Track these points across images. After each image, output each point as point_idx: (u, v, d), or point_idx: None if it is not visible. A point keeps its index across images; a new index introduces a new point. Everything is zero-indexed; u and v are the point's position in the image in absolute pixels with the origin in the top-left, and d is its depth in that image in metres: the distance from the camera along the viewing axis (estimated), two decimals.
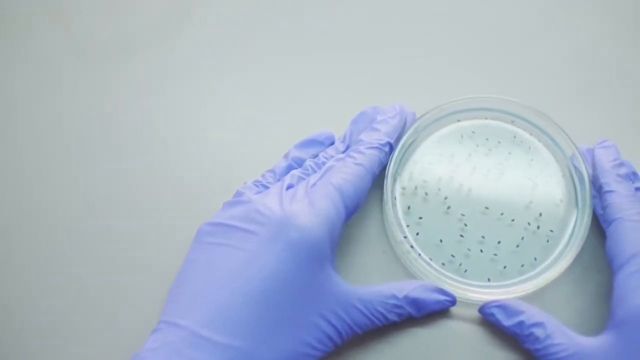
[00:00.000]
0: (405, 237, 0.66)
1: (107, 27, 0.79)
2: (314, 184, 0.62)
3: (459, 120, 0.71)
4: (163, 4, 0.80)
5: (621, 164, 0.66)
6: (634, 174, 0.67)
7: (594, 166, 0.66)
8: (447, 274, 0.65)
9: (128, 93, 0.75)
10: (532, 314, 0.61)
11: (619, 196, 0.63)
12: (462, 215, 0.67)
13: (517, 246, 0.66)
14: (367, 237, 0.67)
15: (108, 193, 0.70)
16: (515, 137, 0.70)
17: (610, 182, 0.64)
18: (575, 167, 0.68)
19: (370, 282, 0.63)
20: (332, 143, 0.68)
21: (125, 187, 0.70)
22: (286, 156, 0.68)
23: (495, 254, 0.66)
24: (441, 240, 0.66)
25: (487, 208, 0.67)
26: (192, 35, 0.78)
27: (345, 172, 0.62)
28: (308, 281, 0.58)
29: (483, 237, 0.66)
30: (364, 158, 0.64)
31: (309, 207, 0.60)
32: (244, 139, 0.72)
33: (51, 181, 0.71)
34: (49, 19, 0.79)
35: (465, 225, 0.67)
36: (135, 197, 0.70)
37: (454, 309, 0.64)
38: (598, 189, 0.65)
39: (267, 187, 0.65)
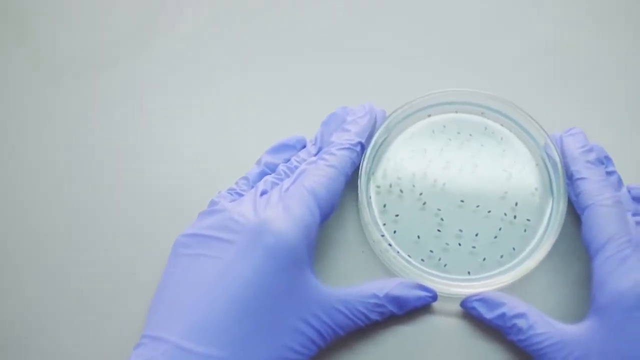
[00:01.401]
0: (382, 235, 0.66)
1: (75, 42, 0.78)
2: (288, 189, 0.62)
3: (429, 116, 0.71)
4: (130, 17, 0.79)
5: (590, 150, 0.66)
6: (607, 157, 0.67)
7: (563, 155, 0.66)
8: (427, 269, 0.65)
9: (99, 107, 0.74)
10: (513, 305, 0.61)
11: (590, 182, 0.63)
12: (438, 210, 0.67)
13: (495, 237, 0.66)
14: (344, 238, 0.67)
15: (83, 208, 0.70)
16: (486, 128, 0.70)
17: (580, 169, 0.64)
18: (549, 155, 0.68)
19: (351, 282, 0.63)
20: (304, 146, 0.68)
21: (101, 201, 0.70)
22: (259, 162, 0.67)
23: (474, 247, 0.66)
24: (419, 237, 0.66)
25: (462, 201, 0.67)
26: (161, 47, 0.77)
27: (318, 174, 0.62)
28: (287, 286, 0.58)
29: (460, 230, 0.66)
30: (335, 159, 0.64)
31: (284, 212, 0.60)
32: (217, 148, 0.72)
33: (23, 197, 0.71)
34: (16, 36, 0.78)
35: (442, 219, 0.67)
36: (110, 212, 0.69)
37: (436, 304, 0.64)
38: (569, 177, 0.65)
39: (241, 195, 0.64)
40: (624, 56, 0.77)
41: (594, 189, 0.63)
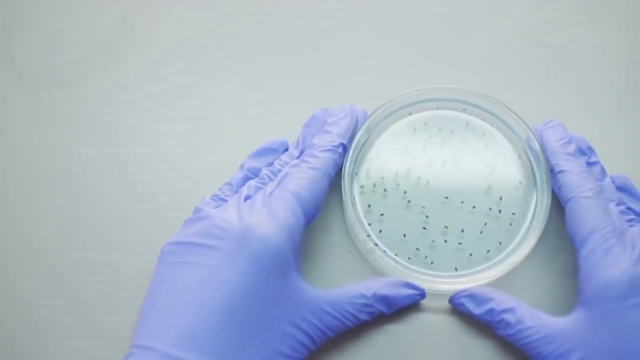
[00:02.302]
0: (368, 235, 0.66)
1: (54, 52, 0.78)
2: (271, 193, 0.62)
3: (410, 114, 0.71)
4: (108, 26, 0.79)
5: (569, 142, 0.66)
6: (589, 148, 0.67)
7: (543, 148, 0.66)
8: (414, 267, 0.65)
9: (81, 117, 0.74)
10: (501, 300, 0.61)
11: (570, 175, 0.64)
12: (423, 207, 0.67)
13: (481, 232, 0.66)
14: (330, 239, 0.67)
15: (67, 219, 0.69)
16: (467, 124, 0.71)
17: (560, 162, 0.65)
18: (531, 149, 0.68)
19: (338, 284, 0.63)
20: (287, 149, 0.68)
21: (85, 212, 0.70)
22: (242, 167, 0.67)
23: (460, 243, 0.66)
24: (405, 235, 0.66)
25: (447, 198, 0.67)
26: (139, 55, 0.77)
27: (301, 177, 0.62)
28: (274, 290, 0.58)
29: (446, 227, 0.66)
30: (318, 161, 0.64)
31: (268, 216, 0.60)
32: (199, 154, 0.72)
33: (7, 207, 0.70)
34: None
35: (427, 217, 0.67)
36: (95, 222, 0.69)
37: (424, 302, 0.64)
38: (551, 170, 0.65)
39: (225, 201, 0.64)
40: (603, 45, 0.77)
41: (575, 181, 0.63)
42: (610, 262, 0.59)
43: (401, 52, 0.76)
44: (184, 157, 0.72)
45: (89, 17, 0.80)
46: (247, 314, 0.57)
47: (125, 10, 0.80)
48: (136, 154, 0.72)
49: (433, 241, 0.66)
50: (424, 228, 0.66)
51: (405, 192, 0.68)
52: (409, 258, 0.65)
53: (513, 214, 0.67)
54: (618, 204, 0.64)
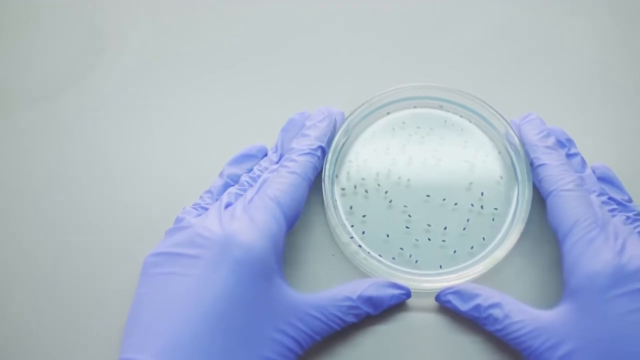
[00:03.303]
0: (351, 237, 0.66)
1: (24, 72, 0.77)
2: (252, 199, 0.62)
3: (388, 113, 0.71)
4: (78, 43, 0.78)
5: (547, 135, 0.66)
6: (568, 140, 0.67)
7: (522, 142, 0.66)
8: (399, 267, 0.65)
9: (54, 135, 0.73)
10: (487, 295, 0.61)
11: (550, 168, 0.64)
12: (405, 206, 0.67)
13: (464, 229, 0.66)
14: (314, 243, 0.67)
15: (46, 235, 0.69)
16: (445, 121, 0.71)
17: (540, 155, 0.65)
18: (510, 143, 0.68)
19: (324, 287, 0.62)
20: (266, 155, 0.68)
21: (64, 228, 0.69)
22: (221, 174, 0.67)
23: (444, 240, 0.66)
24: (388, 235, 0.66)
25: (428, 196, 0.67)
26: (111, 69, 0.77)
27: (281, 182, 0.62)
28: (258, 297, 0.58)
29: (429, 225, 0.66)
30: (297, 166, 0.63)
31: (249, 223, 0.59)
32: (178, 164, 0.71)
33: None
34: None
35: (410, 216, 0.67)
36: (75, 239, 0.69)
37: (411, 301, 0.64)
38: (531, 164, 0.66)
39: (206, 209, 0.64)
40: (578, 37, 0.77)
41: (555, 174, 0.63)
42: (593, 254, 0.59)
43: (377, 52, 0.76)
44: (163, 167, 0.71)
45: (59, 33, 0.79)
46: (232, 322, 0.57)
47: (96, 24, 0.79)
48: (115, 166, 0.72)
49: (417, 240, 0.66)
50: (407, 227, 0.66)
51: (386, 192, 0.67)
52: (393, 258, 0.65)
53: (495, 209, 0.67)
54: (599, 195, 0.64)
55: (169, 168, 0.71)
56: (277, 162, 0.66)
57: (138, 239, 0.67)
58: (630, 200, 0.65)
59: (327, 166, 0.66)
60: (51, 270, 0.67)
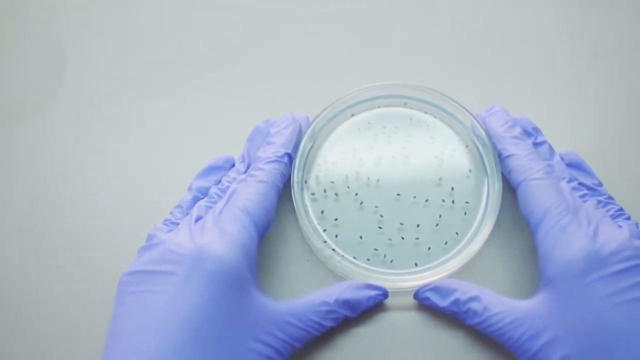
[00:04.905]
0: (324, 242, 0.66)
1: None
2: (221, 211, 0.62)
3: (353, 115, 0.71)
4: (40, 64, 0.78)
5: (513, 125, 0.66)
6: (535, 128, 0.67)
7: (488, 135, 0.67)
8: (374, 268, 0.65)
9: (18, 160, 0.73)
10: (465, 289, 0.61)
11: (518, 158, 0.64)
12: (376, 207, 0.67)
13: (437, 225, 0.66)
14: (288, 249, 0.67)
15: (15, 259, 0.68)
16: (411, 119, 0.70)
17: (507, 146, 0.65)
18: (477, 136, 0.68)
19: (300, 293, 0.62)
20: (233, 165, 0.68)
21: (29, 254, 0.69)
22: (190, 188, 0.67)
23: (417, 238, 0.66)
24: (361, 237, 0.66)
25: (399, 195, 0.67)
26: (72, 92, 0.76)
27: (249, 192, 0.62)
28: (234, 309, 0.57)
29: (401, 223, 0.66)
30: (264, 174, 0.63)
31: (219, 235, 0.59)
32: (147, 181, 0.71)
33: None
34: None
35: (382, 216, 0.66)
36: (45, 263, 0.68)
37: (389, 301, 0.64)
38: (499, 156, 0.66)
39: (177, 224, 0.64)
40: (539, 26, 0.77)
41: (523, 164, 0.63)
42: (567, 240, 0.59)
43: (337, 53, 0.76)
44: (132, 185, 0.71)
45: (18, 57, 0.78)
46: (209, 335, 0.56)
47: (55, 47, 0.78)
48: (81, 190, 0.71)
49: (390, 239, 0.66)
50: (380, 227, 0.66)
51: (356, 194, 0.67)
52: (368, 259, 0.65)
53: (467, 202, 0.67)
54: (569, 181, 0.64)
55: (137, 186, 0.71)
56: (245, 172, 0.66)
57: (113, 260, 0.67)
58: (600, 184, 0.66)
59: (295, 172, 0.66)
60: (25, 295, 0.67)
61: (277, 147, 0.65)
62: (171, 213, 0.65)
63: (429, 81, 0.71)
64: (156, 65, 0.77)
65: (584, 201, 0.63)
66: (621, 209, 0.64)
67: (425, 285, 0.63)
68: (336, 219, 0.67)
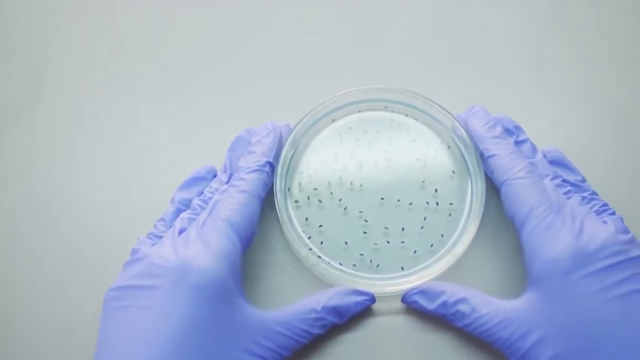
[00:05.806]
0: (310, 249, 0.65)
1: None
2: (204, 223, 0.61)
3: (333, 120, 0.71)
4: (15, 80, 0.77)
5: (494, 125, 0.66)
6: (516, 127, 0.68)
7: (469, 135, 0.66)
8: (361, 273, 0.64)
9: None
10: (453, 291, 0.61)
11: (500, 158, 0.64)
12: (361, 212, 0.67)
13: (422, 227, 0.66)
14: (273, 258, 0.66)
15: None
16: (392, 122, 0.70)
17: (489, 146, 0.65)
18: (459, 137, 0.68)
19: (287, 301, 0.62)
20: (215, 175, 0.67)
21: (16, 269, 0.68)
22: (172, 200, 0.66)
23: (403, 241, 0.65)
24: (346, 243, 0.66)
25: (383, 199, 0.67)
26: (52, 105, 0.76)
27: (231, 202, 0.62)
28: (220, 320, 0.57)
29: (386, 228, 0.66)
30: (246, 184, 0.63)
31: (203, 247, 0.59)
32: (129, 194, 0.71)
33: None
34: None
35: (366, 221, 0.66)
36: (33, 277, 0.68)
37: (377, 306, 0.64)
38: (481, 156, 0.66)
39: (160, 237, 0.63)
40: (517, 23, 0.78)
41: (505, 163, 0.63)
42: (552, 238, 0.59)
43: (316, 59, 0.76)
44: (115, 198, 0.70)
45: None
46: (196, 348, 0.56)
47: (34, 60, 0.78)
48: (65, 204, 0.71)
49: (375, 244, 0.65)
50: (365, 232, 0.66)
51: (340, 199, 0.67)
52: (354, 265, 0.65)
53: (451, 204, 0.67)
54: (553, 178, 0.64)
55: (120, 200, 0.70)
56: (227, 182, 0.65)
57: (97, 276, 0.66)
58: (584, 181, 0.66)
59: (278, 180, 0.66)
60: (10, 310, 0.67)
61: (258, 156, 0.65)
62: (154, 226, 0.65)
63: (409, 82, 0.71)
64: (135, 79, 0.77)
65: (568, 198, 0.63)
66: (606, 204, 0.64)
67: (413, 288, 0.63)
68: (321, 226, 0.66)
